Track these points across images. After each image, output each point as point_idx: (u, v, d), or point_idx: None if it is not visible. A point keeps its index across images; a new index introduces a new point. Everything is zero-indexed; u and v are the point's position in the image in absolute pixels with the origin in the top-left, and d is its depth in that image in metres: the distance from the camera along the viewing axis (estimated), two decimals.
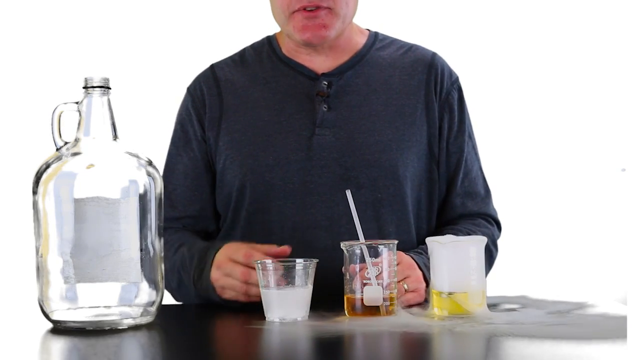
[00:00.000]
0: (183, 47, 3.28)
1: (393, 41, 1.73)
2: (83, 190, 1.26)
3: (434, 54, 1.71)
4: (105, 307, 1.27)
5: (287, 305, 1.30)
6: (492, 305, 1.38)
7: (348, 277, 1.34)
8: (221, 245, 1.50)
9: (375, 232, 1.57)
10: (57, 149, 1.31)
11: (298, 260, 1.32)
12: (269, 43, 1.72)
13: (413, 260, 1.46)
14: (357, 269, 1.33)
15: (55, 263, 1.26)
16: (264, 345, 1.20)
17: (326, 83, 1.63)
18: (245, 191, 1.61)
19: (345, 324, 1.28)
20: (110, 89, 1.32)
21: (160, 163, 1.63)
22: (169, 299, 1.51)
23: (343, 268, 1.35)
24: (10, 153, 3.25)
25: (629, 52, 3.01)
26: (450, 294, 1.31)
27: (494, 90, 3.45)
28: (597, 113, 3.51)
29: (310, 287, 1.32)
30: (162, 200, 1.34)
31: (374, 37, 1.72)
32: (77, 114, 1.31)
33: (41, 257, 1.28)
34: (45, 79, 3.23)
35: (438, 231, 1.64)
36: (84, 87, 1.31)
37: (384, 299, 1.32)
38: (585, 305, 1.40)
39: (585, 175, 3.52)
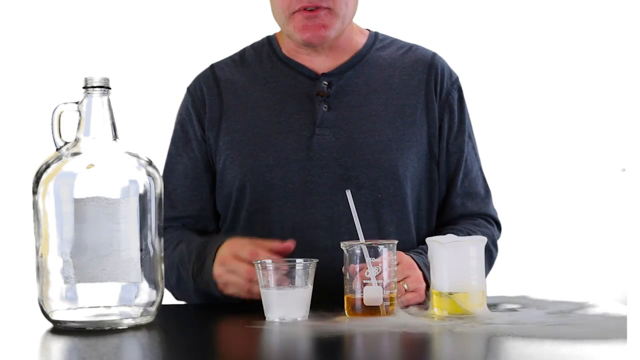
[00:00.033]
0: (183, 47, 3.28)
1: (393, 41, 1.73)
2: (83, 190, 1.26)
3: (434, 54, 1.71)
4: (105, 307, 1.27)
5: (287, 305, 1.30)
6: (492, 305, 1.38)
7: (348, 277, 1.34)
8: (222, 240, 1.49)
9: (375, 232, 1.57)
10: (57, 149, 1.31)
11: (298, 260, 1.32)
12: (269, 43, 1.72)
13: (413, 260, 1.46)
14: (357, 269, 1.33)
15: (55, 263, 1.26)
16: (264, 345, 1.20)
17: (326, 83, 1.63)
18: (245, 191, 1.61)
19: (345, 324, 1.28)
20: (110, 89, 1.32)
21: (160, 163, 1.63)
22: (169, 299, 1.51)
23: (343, 268, 1.35)
24: (10, 153, 3.25)
25: (629, 52, 3.01)
26: (450, 294, 1.31)
27: (494, 90, 3.45)
28: (597, 113, 3.51)
29: (310, 287, 1.32)
30: (162, 200, 1.34)
31: (374, 37, 1.72)
32: (77, 114, 1.31)
33: (41, 257, 1.28)
34: (45, 79, 3.23)
35: (438, 231, 1.63)
36: (84, 87, 1.31)
37: (384, 299, 1.32)
38: (586, 305, 1.40)
39: (585, 175, 3.52)
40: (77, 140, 1.31)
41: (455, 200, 1.67)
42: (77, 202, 1.26)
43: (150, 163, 1.33)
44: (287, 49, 1.68)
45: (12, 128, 3.27)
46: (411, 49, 1.72)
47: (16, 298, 2.18)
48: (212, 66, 1.73)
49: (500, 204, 1.77)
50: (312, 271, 1.33)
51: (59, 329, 1.27)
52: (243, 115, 1.65)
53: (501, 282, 1.82)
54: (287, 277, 1.31)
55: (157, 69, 3.28)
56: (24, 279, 2.00)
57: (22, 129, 3.22)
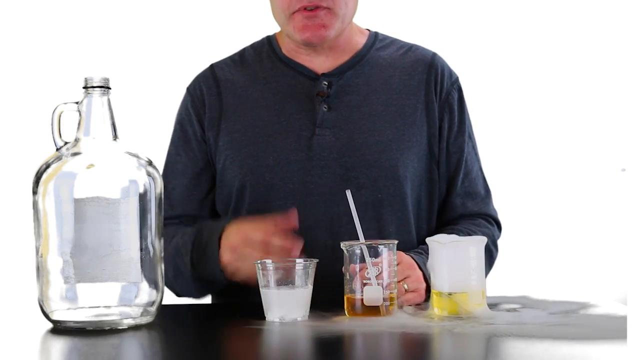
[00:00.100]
0: (183, 47, 3.29)
1: (393, 41, 1.73)
2: (83, 190, 1.26)
3: (434, 54, 1.71)
4: (105, 307, 1.27)
5: (287, 305, 1.30)
6: (493, 305, 1.38)
7: (348, 277, 1.34)
8: (222, 225, 1.49)
9: (376, 232, 1.57)
10: (57, 149, 1.31)
11: (298, 260, 1.32)
12: (269, 43, 1.72)
13: (413, 260, 1.46)
14: (357, 269, 1.33)
15: (55, 263, 1.26)
16: (264, 345, 1.20)
17: (326, 83, 1.63)
18: (245, 191, 1.61)
19: (345, 324, 1.28)
20: (110, 89, 1.32)
21: (160, 163, 1.63)
22: (169, 299, 1.51)
23: (343, 268, 1.35)
24: (10, 153, 3.25)
25: (629, 52, 3.01)
26: (450, 294, 1.31)
27: (494, 90, 3.45)
28: (597, 113, 3.51)
29: (310, 287, 1.32)
30: (162, 200, 1.34)
31: (374, 37, 1.72)
32: (77, 114, 1.31)
33: (41, 257, 1.28)
34: (45, 79, 3.23)
35: (438, 231, 1.63)
36: (84, 87, 1.31)
37: (384, 299, 1.32)
38: (586, 305, 1.40)
39: (585, 175, 3.52)
40: (77, 140, 1.31)
41: (455, 200, 1.67)
42: (77, 202, 1.26)
43: (150, 163, 1.33)
44: (287, 49, 1.68)
45: (12, 128, 3.27)
46: (411, 49, 1.72)
47: (16, 298, 2.18)
48: (212, 66, 1.73)
49: (500, 204, 1.77)
50: (312, 271, 1.33)
51: (59, 329, 1.27)
52: (243, 116, 1.65)
53: (501, 282, 1.82)
54: (287, 277, 1.31)
55: (157, 69, 3.28)
56: (24, 279, 2.00)
57: (22, 129, 3.22)
